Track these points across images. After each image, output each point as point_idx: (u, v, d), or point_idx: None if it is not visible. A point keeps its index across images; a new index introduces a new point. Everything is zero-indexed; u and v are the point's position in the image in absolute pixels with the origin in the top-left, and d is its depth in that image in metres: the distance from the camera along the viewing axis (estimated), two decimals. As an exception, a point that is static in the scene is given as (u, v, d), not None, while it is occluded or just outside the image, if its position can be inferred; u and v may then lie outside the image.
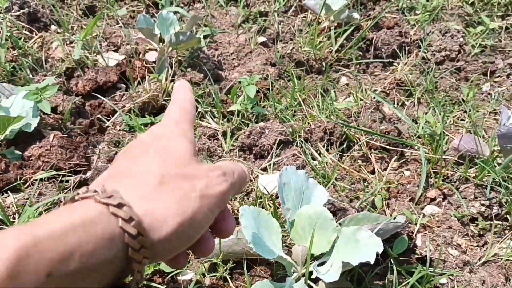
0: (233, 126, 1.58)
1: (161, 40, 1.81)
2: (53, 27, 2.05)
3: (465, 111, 1.68)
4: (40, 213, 1.16)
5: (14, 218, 1.21)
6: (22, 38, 1.93)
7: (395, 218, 1.03)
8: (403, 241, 1.07)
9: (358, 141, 1.51)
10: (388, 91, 1.85)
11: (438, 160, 1.36)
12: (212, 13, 2.22)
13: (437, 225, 1.22)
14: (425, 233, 1.18)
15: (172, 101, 0.65)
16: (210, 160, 1.45)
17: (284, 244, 1.10)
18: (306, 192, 1.09)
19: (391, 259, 1.05)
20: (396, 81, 1.85)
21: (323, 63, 1.93)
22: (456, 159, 1.39)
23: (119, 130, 1.59)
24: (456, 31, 2.05)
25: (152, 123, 1.59)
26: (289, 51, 1.94)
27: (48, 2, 2.12)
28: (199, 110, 1.65)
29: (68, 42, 1.94)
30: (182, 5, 2.28)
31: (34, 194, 1.26)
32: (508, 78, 1.89)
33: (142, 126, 1.52)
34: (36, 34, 1.98)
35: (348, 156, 1.50)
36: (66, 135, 1.46)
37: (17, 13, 2.00)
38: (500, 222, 1.22)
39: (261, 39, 2.07)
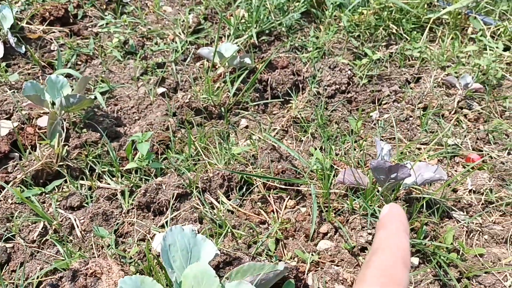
0: (132, 184, 1.58)
1: (53, 103, 1.78)
2: None
3: (356, 141, 1.78)
4: None
5: None
6: None
7: (277, 264, 1.06)
8: (289, 285, 1.11)
9: (256, 183, 1.55)
10: (286, 129, 1.93)
11: (328, 194, 1.43)
12: (110, 68, 2.22)
13: (330, 259, 1.27)
14: (316, 270, 1.23)
15: (373, 250, 0.44)
16: (107, 223, 1.42)
17: (176, 306, 1.10)
18: (194, 250, 1.10)
19: (280, 305, 1.08)
20: (293, 118, 1.94)
21: (222, 108, 1.98)
22: (344, 191, 1.46)
23: (11, 203, 1.53)
24: (344, 64, 2.18)
25: (42, 193, 1.54)
26: (188, 100, 1.97)
27: None
28: (96, 170, 1.63)
29: (-46, 115, 1.85)
30: (80, 62, 2.26)
31: None
32: (393, 104, 2.03)
33: (31, 196, 1.47)
34: None
35: (248, 199, 1.53)
36: (-52, 218, 1.39)
37: None
38: (386, 249, 1.29)
39: (161, 90, 2.10)
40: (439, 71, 2.19)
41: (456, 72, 2.17)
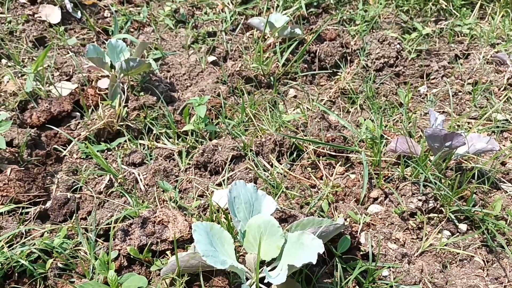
0: (188, 145, 1.65)
1: (112, 66, 1.87)
2: (3, 61, 2.07)
3: (405, 113, 1.81)
4: (2, 247, 1.20)
5: (-24, 254, 1.24)
6: (-27, 74, 1.94)
7: (337, 219, 1.12)
8: (345, 240, 1.17)
9: (307, 149, 1.61)
10: (334, 100, 1.97)
11: (378, 162, 1.47)
12: (162, 36, 2.29)
13: (381, 223, 1.33)
14: (368, 231, 1.29)
15: None
16: (167, 180, 1.51)
17: (238, 254, 1.18)
18: (255, 203, 1.17)
19: (336, 258, 1.15)
20: (341, 90, 1.97)
21: (271, 78, 2.03)
22: (394, 159, 1.50)
23: (76, 158, 1.63)
24: (393, 38, 2.19)
25: (108, 149, 1.64)
26: (238, 68, 2.03)
27: (-3, 36, 2.14)
28: (154, 132, 1.72)
29: (19, 75, 1.96)
30: (132, 29, 2.34)
31: (-6, 229, 1.30)
32: (442, 79, 2.04)
33: (98, 153, 1.57)
34: (-14, 69, 1.99)
35: (298, 164, 1.59)
36: (23, 168, 1.50)
37: (-34, 49, 2.02)
38: (436, 215, 1.34)
39: (211, 58, 2.16)
40: (489, 48, 2.18)
41: (506, 50, 2.15)
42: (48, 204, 1.42)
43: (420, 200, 1.35)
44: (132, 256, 1.19)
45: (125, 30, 2.30)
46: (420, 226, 1.32)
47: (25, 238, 1.28)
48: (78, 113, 1.82)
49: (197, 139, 1.69)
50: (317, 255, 0.97)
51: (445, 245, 1.25)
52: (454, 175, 1.38)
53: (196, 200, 1.41)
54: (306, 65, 2.12)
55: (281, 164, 1.58)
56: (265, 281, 1.02)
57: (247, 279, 1.07)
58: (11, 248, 1.22)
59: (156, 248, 1.21)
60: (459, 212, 1.33)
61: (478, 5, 2.41)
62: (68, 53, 2.11)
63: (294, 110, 1.90)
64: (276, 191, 1.43)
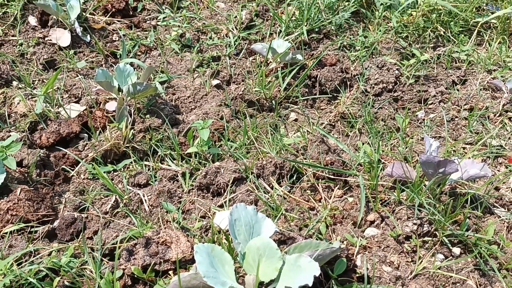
0: (191, 167, 1.71)
1: (120, 90, 1.94)
2: (14, 83, 2.14)
3: (402, 138, 1.87)
4: (12, 265, 1.25)
5: (-14, 271, 1.29)
6: (-15, 95, 2.02)
7: (332, 243, 1.17)
8: (341, 263, 1.22)
9: (306, 172, 1.66)
10: (333, 123, 2.03)
11: (375, 186, 1.52)
12: (168, 60, 2.37)
13: (377, 245, 1.37)
14: (364, 254, 1.33)
15: None
16: (170, 201, 1.56)
17: (238, 275, 1.22)
18: (255, 226, 1.22)
19: (332, 280, 1.19)
20: (340, 114, 2.03)
21: (273, 102, 2.09)
22: (391, 184, 1.55)
23: (84, 178, 1.69)
24: (392, 64, 2.26)
25: (114, 170, 1.70)
26: (241, 92, 2.09)
27: (8, 59, 2.22)
28: (158, 153, 1.78)
29: (30, 97, 2.03)
30: (139, 53, 2.42)
31: (4, 247, 1.35)
32: (439, 104, 2.09)
33: (105, 174, 1.63)
34: (-2, 90, 2.07)
35: (298, 187, 1.64)
36: (32, 188, 1.55)
37: (-21, 71, 2.09)
38: (430, 238, 1.38)
39: (215, 82, 2.23)
40: (485, 74, 2.24)
41: (502, 76, 2.21)
42: (56, 223, 1.47)
43: (415, 224, 1.40)
44: (136, 276, 1.24)
45: (132, 53, 2.38)
46: (414, 249, 1.36)
47: (34, 256, 1.33)
48: (86, 135, 1.88)
49: (201, 161, 1.75)
50: (314, 277, 1.01)
51: (439, 268, 1.29)
52: (448, 200, 1.42)
53: (198, 221, 1.46)
54: (307, 90, 2.18)
55: (281, 186, 1.64)
56: (264, 301, 1.07)
57: (246, 299, 1.12)
58: (20, 266, 1.27)
59: (159, 268, 1.26)
60: (452, 236, 1.37)
61: (476, 32, 2.48)
62: (77, 75, 2.19)
63: (294, 133, 1.96)
64: (276, 213, 1.47)
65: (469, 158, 1.70)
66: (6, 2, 2.54)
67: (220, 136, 1.89)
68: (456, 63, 2.35)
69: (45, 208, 1.51)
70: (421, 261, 1.31)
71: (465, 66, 2.31)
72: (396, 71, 2.21)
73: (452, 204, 1.36)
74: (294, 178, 1.67)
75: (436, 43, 2.50)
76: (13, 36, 2.41)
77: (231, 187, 1.60)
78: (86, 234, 1.45)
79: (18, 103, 2.00)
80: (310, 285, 0.99)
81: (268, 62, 2.25)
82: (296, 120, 2.05)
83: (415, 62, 2.30)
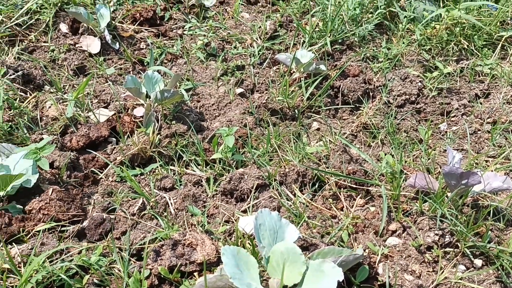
0: (216, 173, 1.75)
1: (148, 96, 1.99)
2: (46, 87, 2.22)
3: (424, 150, 1.88)
4: (44, 262, 1.30)
5: (19, 267, 1.34)
6: (18, 99, 2.09)
7: (357, 249, 1.19)
8: (364, 270, 1.23)
9: (328, 181, 1.69)
10: (355, 134, 2.05)
11: (398, 196, 1.54)
12: (193, 68, 2.43)
13: (398, 255, 1.39)
14: (385, 262, 1.35)
15: None
16: (195, 205, 1.60)
17: (262, 278, 1.25)
18: (279, 231, 1.25)
19: (354, 287, 1.21)
20: (362, 124, 2.06)
21: (296, 111, 2.13)
22: (413, 194, 1.57)
23: (112, 181, 1.74)
24: (415, 76, 2.27)
25: (141, 174, 1.75)
26: (264, 100, 2.14)
27: (40, 64, 2.31)
28: (184, 159, 1.82)
29: (61, 101, 2.11)
30: (166, 61, 2.48)
31: (37, 245, 1.40)
32: (462, 117, 2.10)
33: (133, 177, 1.68)
34: (30, 95, 2.15)
35: (320, 195, 1.67)
36: (63, 189, 1.61)
37: (12, 76, 2.18)
38: (452, 249, 1.39)
39: (239, 90, 2.27)
40: (509, 88, 2.24)
41: (526, 90, 2.21)
42: (85, 223, 1.53)
43: (436, 234, 1.41)
44: (162, 276, 1.28)
45: (159, 61, 2.44)
46: (436, 259, 1.37)
47: (64, 254, 1.38)
48: (114, 139, 1.94)
49: (225, 167, 1.79)
50: (337, 282, 1.03)
51: (460, 279, 1.30)
52: (470, 211, 1.43)
53: (222, 226, 1.50)
54: (329, 100, 2.21)
55: (303, 194, 1.66)
56: (287, 305, 1.09)
57: (269, 302, 1.15)
58: (52, 263, 1.32)
59: (185, 269, 1.30)
60: (474, 247, 1.38)
61: (500, 46, 2.48)
62: (107, 81, 2.26)
63: (317, 142, 1.99)
64: (299, 220, 1.50)
65: (492, 171, 1.70)
66: (38, 10, 2.64)
67: (243, 143, 1.93)
68: (479, 76, 2.35)
69: (75, 208, 1.56)
70: (443, 271, 1.32)
71: (488, 79, 2.31)
72: (419, 83, 2.23)
73: (474, 216, 1.37)
74: (316, 186, 1.69)
75: (459, 56, 2.50)
76: (45, 42, 2.50)
77: (254, 193, 1.63)
78: (114, 234, 1.50)
79: (49, 107, 2.07)
80: (334, 289, 1.01)
81: (292, 72, 2.29)
82: (318, 129, 2.08)
83: (438, 74, 2.31)
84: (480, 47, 2.50)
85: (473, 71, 2.34)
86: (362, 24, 2.58)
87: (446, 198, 1.47)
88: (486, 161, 1.82)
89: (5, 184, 1.57)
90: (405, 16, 2.56)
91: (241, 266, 1.12)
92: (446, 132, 2.04)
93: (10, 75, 2.17)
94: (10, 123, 1.95)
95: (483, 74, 2.36)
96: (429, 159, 1.80)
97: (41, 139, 1.82)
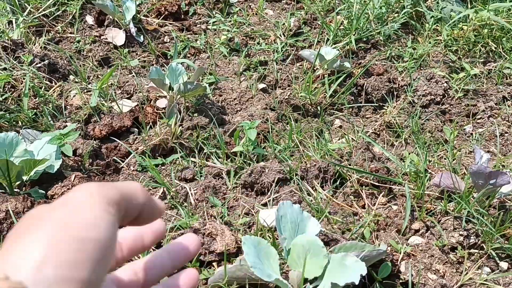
0: (236, 166, 1.74)
1: (171, 88, 2.00)
2: (71, 77, 2.24)
3: (448, 151, 1.84)
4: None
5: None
6: (43, 87, 2.12)
7: (379, 246, 1.17)
8: (386, 266, 1.21)
9: (350, 178, 1.66)
10: (378, 133, 2.02)
11: (421, 195, 1.51)
12: (216, 63, 2.43)
13: (421, 254, 1.36)
14: (408, 261, 1.32)
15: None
16: (215, 196, 1.60)
17: (282, 271, 1.24)
18: (300, 224, 1.23)
19: (376, 283, 1.19)
20: (386, 123, 2.03)
21: (318, 107, 2.11)
22: (437, 194, 1.53)
23: (133, 170, 1.75)
24: (441, 77, 2.23)
25: (162, 164, 1.75)
26: (287, 96, 2.12)
27: (66, 54, 2.33)
28: (205, 151, 1.82)
29: (85, 91, 2.13)
30: (189, 55, 2.49)
31: (58, 229, 1.41)
32: (488, 119, 2.05)
33: (154, 166, 1.68)
34: (55, 84, 2.17)
35: (341, 192, 1.64)
36: (85, 175, 1.62)
37: (39, 65, 2.20)
38: (477, 251, 1.36)
39: (261, 85, 2.26)
40: (538, 92, 2.18)
41: (556, 94, 2.15)
42: (106, 210, 1.53)
43: (461, 235, 1.37)
44: (181, 264, 1.27)
45: (182, 55, 2.45)
46: (460, 260, 1.34)
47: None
48: (136, 129, 1.95)
49: (245, 160, 1.78)
50: (360, 277, 1.01)
51: (485, 281, 1.27)
52: (497, 213, 1.40)
53: (242, 218, 1.49)
54: (352, 98, 2.19)
55: (324, 190, 1.64)
56: (307, 298, 1.08)
57: (289, 294, 1.13)
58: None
59: (204, 259, 1.29)
60: (500, 249, 1.34)
61: (529, 48, 2.42)
62: (130, 73, 2.27)
63: (339, 139, 1.97)
64: (319, 215, 1.48)
65: (520, 173, 1.66)
66: (66, 1, 2.67)
67: (264, 138, 1.92)
68: (507, 79, 2.30)
69: (96, 195, 1.57)
70: (467, 273, 1.29)
71: (517, 82, 2.26)
72: (445, 84, 2.19)
73: (501, 217, 1.34)
74: (338, 183, 1.67)
75: (486, 58, 2.45)
76: (71, 33, 2.52)
77: (275, 187, 1.62)
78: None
79: (74, 96, 2.09)
80: (357, 283, 0.99)
81: (315, 68, 2.27)
82: (340, 127, 2.06)
83: (464, 76, 2.26)
84: (508, 49, 2.44)
85: (501, 74, 2.29)
86: (387, 23, 2.55)
87: (472, 198, 1.44)
88: (513, 164, 1.78)
89: (29, 168, 1.59)
90: (432, 16, 2.52)
91: (261, 257, 1.10)
92: (471, 134, 1.99)
93: (36, 64, 2.19)
94: (35, 110, 1.98)
95: (511, 77, 2.31)
96: (454, 159, 1.77)
97: (65, 126, 1.84)
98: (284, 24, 2.67)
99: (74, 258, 0.34)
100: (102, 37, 2.49)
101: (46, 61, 2.23)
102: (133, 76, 2.24)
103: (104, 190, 0.40)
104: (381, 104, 2.17)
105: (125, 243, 0.50)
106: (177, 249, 0.52)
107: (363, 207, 1.59)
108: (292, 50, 2.50)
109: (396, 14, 2.60)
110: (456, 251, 1.36)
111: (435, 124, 2.02)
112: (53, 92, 2.12)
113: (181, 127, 1.89)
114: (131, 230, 0.50)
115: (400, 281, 1.25)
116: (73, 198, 0.39)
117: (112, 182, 0.43)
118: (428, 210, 1.50)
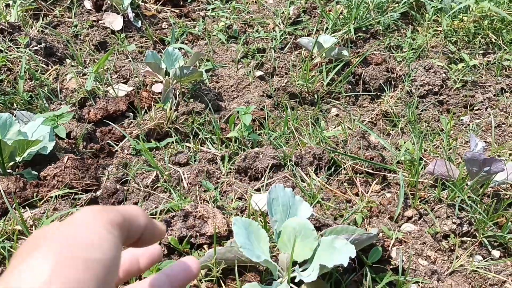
0: (231, 151, 1.74)
1: (167, 73, 1.99)
2: (67, 61, 2.23)
3: (446, 138, 1.83)
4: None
5: (31, 230, 1.35)
6: (39, 71, 2.11)
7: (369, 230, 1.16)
8: (377, 251, 1.20)
9: (345, 165, 1.66)
10: (375, 122, 2.01)
11: (415, 183, 1.50)
12: (214, 49, 2.41)
13: (413, 240, 1.35)
14: (399, 247, 1.31)
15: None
16: (209, 181, 1.59)
17: (272, 254, 1.23)
18: (292, 207, 1.23)
19: (367, 267, 1.18)
20: (383, 112, 2.02)
21: (315, 95, 2.10)
22: (431, 182, 1.53)
23: (127, 154, 1.74)
24: (439, 67, 2.22)
25: (156, 148, 1.74)
26: (284, 84, 2.11)
27: (63, 38, 2.32)
28: (199, 136, 1.81)
29: (81, 74, 2.11)
30: (187, 41, 2.47)
31: (49, 209, 1.41)
32: (486, 110, 2.04)
33: (148, 150, 1.67)
34: (51, 67, 2.16)
35: (335, 179, 1.64)
36: (79, 158, 1.62)
37: (35, 48, 2.19)
38: (469, 239, 1.35)
39: (259, 73, 2.25)
40: (537, 84, 2.17)
41: (555, 87, 2.13)
42: (99, 192, 1.53)
43: (454, 223, 1.37)
44: (172, 246, 1.27)
45: (180, 41, 2.43)
46: (452, 248, 1.34)
47: (76, 220, 1.38)
48: (131, 114, 1.94)
49: (240, 146, 1.77)
50: (348, 262, 1.01)
51: (476, 268, 1.26)
52: (490, 201, 1.39)
53: (234, 202, 1.48)
54: (350, 86, 2.17)
55: (318, 177, 1.63)
56: (296, 280, 1.07)
57: (278, 277, 1.13)
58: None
59: (194, 241, 1.28)
60: (493, 237, 1.34)
61: (529, 41, 2.41)
62: (127, 58, 2.26)
63: (335, 128, 1.96)
64: (312, 201, 1.48)
65: (515, 163, 1.65)
66: (64, -14, 2.65)
67: (260, 125, 1.91)
68: (506, 71, 2.29)
69: (89, 177, 1.56)
70: (458, 260, 1.28)
71: (515, 74, 2.24)
72: (443, 75, 2.17)
73: (494, 206, 1.33)
74: (332, 170, 1.66)
75: (486, 50, 2.44)
76: (68, 18, 2.51)
77: (268, 172, 1.61)
78: (127, 204, 1.49)
79: (69, 80, 2.08)
80: (345, 265, 0.98)
81: (313, 56, 2.25)
82: (337, 115, 2.05)
83: (463, 67, 2.25)
84: (508, 41, 2.43)
85: (500, 65, 2.28)
86: (387, 13, 2.53)
87: (466, 186, 1.43)
88: (510, 154, 1.77)
89: (22, 149, 1.58)
90: (432, 7, 2.50)
91: (251, 238, 1.10)
92: (468, 124, 1.98)
93: (33, 47, 2.18)
94: (30, 93, 1.97)
95: (510, 68, 2.29)
96: (450, 148, 1.76)
97: (60, 109, 1.83)
98: (283, 12, 2.65)
99: (80, 277, 0.35)
100: (99, 22, 2.48)
101: (43, 45, 2.21)
102: (130, 61, 2.23)
103: (107, 212, 0.41)
104: (378, 93, 2.16)
105: (121, 266, 0.50)
106: (176, 272, 0.51)
107: (357, 194, 1.59)
108: (291, 38, 2.48)
109: (396, 4, 2.58)
110: (448, 238, 1.36)
111: (432, 114, 2.01)
112: (49, 76, 2.11)
113: (176, 112, 1.88)
114: (127, 253, 0.51)
115: (391, 266, 1.24)
116: (78, 219, 0.40)
117: (114, 206, 0.43)
118: (422, 198, 1.50)
